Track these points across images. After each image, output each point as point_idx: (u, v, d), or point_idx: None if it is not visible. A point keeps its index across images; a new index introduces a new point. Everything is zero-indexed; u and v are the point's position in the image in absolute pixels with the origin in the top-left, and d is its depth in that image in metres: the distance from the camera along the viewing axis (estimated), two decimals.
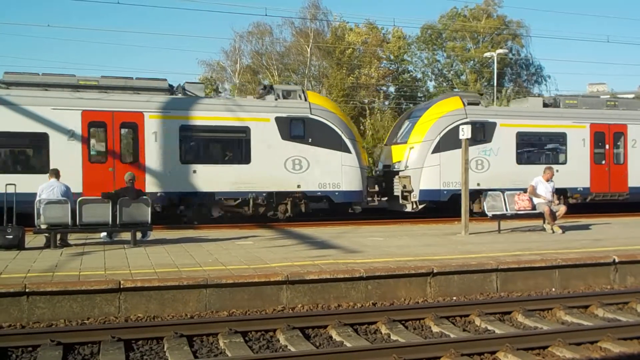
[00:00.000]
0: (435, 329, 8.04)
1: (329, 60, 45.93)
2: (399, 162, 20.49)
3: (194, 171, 17.91)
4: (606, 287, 10.61)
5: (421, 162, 19.85)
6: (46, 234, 12.24)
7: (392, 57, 51.79)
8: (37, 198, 12.37)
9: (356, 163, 19.26)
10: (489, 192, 15.82)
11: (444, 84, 53.32)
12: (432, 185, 19.78)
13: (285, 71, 47.80)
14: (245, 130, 18.43)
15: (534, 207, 15.32)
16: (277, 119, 18.61)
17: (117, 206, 12.24)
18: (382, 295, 9.47)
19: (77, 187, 15.88)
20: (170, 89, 18.57)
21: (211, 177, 18.00)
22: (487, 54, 44.94)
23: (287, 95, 19.33)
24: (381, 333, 7.88)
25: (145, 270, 9.40)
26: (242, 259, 10.56)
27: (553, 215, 15.01)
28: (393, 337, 7.63)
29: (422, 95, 51.31)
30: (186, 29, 76.58)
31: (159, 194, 17.38)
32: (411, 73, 54.30)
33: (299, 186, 18.75)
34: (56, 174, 13.03)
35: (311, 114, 18.93)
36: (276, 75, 46.39)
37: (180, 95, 18.56)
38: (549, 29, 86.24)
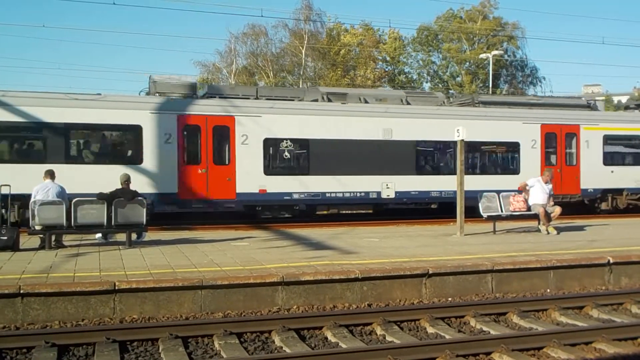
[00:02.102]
0: (430, 330, 8.05)
1: (324, 61, 45.97)
2: None
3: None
4: (601, 288, 10.65)
5: None
6: (41, 235, 12.19)
7: (387, 58, 51.89)
8: (32, 199, 12.34)
9: None
10: (485, 193, 15.85)
11: (440, 85, 53.41)
12: None
13: (281, 72, 47.81)
14: None
15: (529, 208, 15.36)
16: None
17: (112, 207, 12.21)
18: (377, 296, 9.47)
19: None
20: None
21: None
22: (483, 56, 45.05)
23: None
24: (376, 334, 7.89)
25: (140, 272, 9.38)
26: (237, 260, 10.55)
27: (548, 217, 15.05)
28: (388, 338, 7.63)
29: None
30: (181, 29, 76.61)
31: None
32: (407, 74, 54.41)
33: None
34: (51, 175, 12.98)
35: None
36: (272, 76, 46.40)
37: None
38: (545, 31, 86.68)
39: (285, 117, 18.08)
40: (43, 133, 16.93)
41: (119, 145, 18.24)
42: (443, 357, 6.66)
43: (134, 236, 12.73)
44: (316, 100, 19.72)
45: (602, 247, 12.35)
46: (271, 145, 18.51)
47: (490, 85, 43.88)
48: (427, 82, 55.31)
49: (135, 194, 12.77)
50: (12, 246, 11.77)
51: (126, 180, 13.05)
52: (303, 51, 44.56)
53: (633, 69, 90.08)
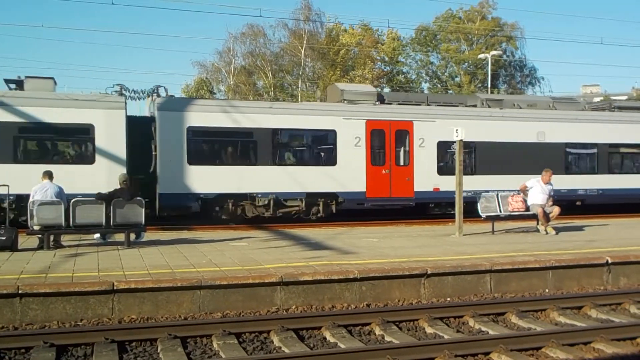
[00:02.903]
0: (429, 330, 8.05)
1: (323, 61, 45.98)
2: None
3: None
4: (599, 288, 10.66)
5: None
6: (39, 235, 12.18)
7: (386, 58, 51.90)
8: (31, 199, 12.33)
9: None
10: (483, 193, 15.85)
11: (438, 86, 53.45)
12: None
13: (280, 72, 47.81)
14: None
15: (527, 208, 15.36)
16: None
17: (111, 207, 12.21)
18: (376, 296, 9.47)
19: None
20: None
21: None
22: (482, 56, 45.08)
23: None
24: (375, 334, 7.89)
25: (139, 272, 9.37)
26: (236, 260, 10.54)
27: (546, 217, 15.06)
28: (387, 338, 7.63)
29: None
30: (180, 29, 76.62)
31: None
32: (406, 74, 54.41)
33: None
34: (50, 175, 12.98)
35: None
36: (270, 76, 46.40)
37: None
38: (543, 31, 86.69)
39: (455, 122, 18.73)
40: (251, 137, 18.89)
41: (317, 147, 20.30)
42: (442, 357, 6.66)
43: (132, 236, 12.72)
44: (475, 106, 21.60)
45: (601, 247, 12.36)
46: (443, 148, 20.28)
47: (489, 86, 43.89)
48: (425, 82, 55.37)
49: (134, 194, 12.76)
50: (11, 246, 11.76)
51: (125, 180, 13.03)
52: (302, 51, 44.56)
53: (632, 69, 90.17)
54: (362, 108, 19.85)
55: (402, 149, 20.03)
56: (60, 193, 12.68)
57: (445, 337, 7.64)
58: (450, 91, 52.65)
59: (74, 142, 17.99)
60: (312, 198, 19.14)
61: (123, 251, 11.82)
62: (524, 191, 15.46)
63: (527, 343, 7.16)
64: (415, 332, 8.01)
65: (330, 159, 19.46)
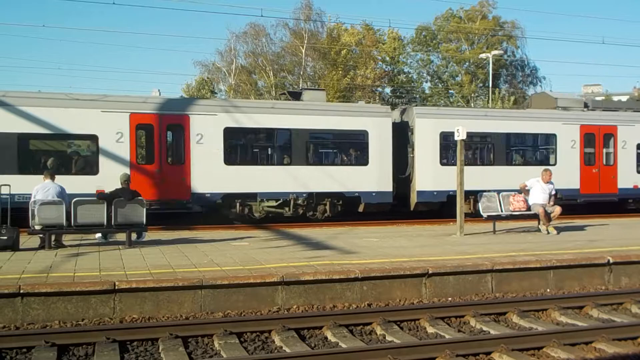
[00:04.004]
0: (430, 329, 8.05)
1: (324, 61, 45.94)
2: None
3: None
4: (601, 287, 10.65)
5: None
6: (41, 235, 12.20)
7: (387, 58, 51.85)
8: (32, 199, 12.34)
9: None
10: (484, 193, 15.84)
11: (439, 85, 53.42)
12: None
13: (281, 72, 47.79)
14: None
15: (529, 208, 15.35)
16: None
17: (112, 207, 12.21)
18: (377, 296, 9.47)
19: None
20: None
21: None
22: (483, 55, 45.03)
23: None
24: (376, 334, 7.89)
25: (140, 271, 9.38)
26: (237, 260, 10.55)
27: (548, 216, 15.04)
28: (388, 338, 7.63)
29: (418, 96, 51.38)
30: (182, 29, 76.63)
31: None
32: (407, 74, 54.37)
33: None
34: (51, 175, 13.01)
35: None
36: (272, 76, 46.38)
37: None
38: (544, 30, 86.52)
39: None
40: (489, 140, 21.20)
41: (539, 149, 22.36)
42: (443, 356, 6.66)
43: (133, 236, 12.73)
44: None
45: (602, 247, 12.35)
46: None
47: (490, 86, 43.86)
48: (426, 82, 55.34)
49: (135, 193, 12.77)
50: (12, 246, 11.77)
51: (126, 180, 13.05)
52: (303, 51, 44.55)
53: (633, 69, 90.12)
54: (576, 114, 22.24)
55: (608, 150, 22.41)
56: (61, 193, 12.69)
57: (447, 336, 7.64)
58: (452, 91, 52.60)
59: (351, 147, 20.08)
60: None
61: (124, 251, 11.83)
62: (523, 190, 15.46)
63: (529, 343, 7.16)
64: (416, 332, 8.00)
65: (550, 159, 21.66)
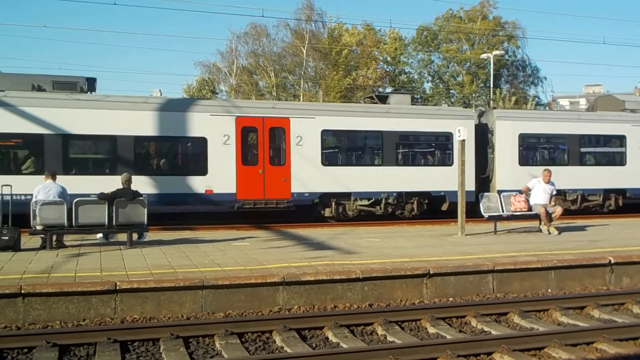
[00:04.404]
0: (431, 330, 8.04)
1: (325, 61, 45.93)
2: None
3: None
4: (602, 288, 10.64)
5: None
6: (42, 235, 12.20)
7: (388, 58, 51.84)
8: (33, 199, 12.35)
9: None
10: (485, 193, 15.82)
11: (440, 86, 53.41)
12: None
13: (282, 72, 47.79)
14: None
15: (530, 208, 15.34)
16: None
17: (113, 207, 12.21)
18: (378, 296, 9.47)
19: None
20: None
21: None
22: (484, 56, 45.00)
23: None
24: (377, 334, 7.88)
25: (141, 272, 9.38)
26: (238, 260, 10.55)
27: (549, 217, 15.03)
28: (389, 338, 7.63)
29: (419, 96, 51.36)
30: (183, 30, 76.67)
31: None
32: (408, 74, 54.36)
33: None
34: (52, 175, 13.01)
35: None
36: (273, 76, 46.39)
37: None
38: (545, 31, 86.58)
39: None
40: (563, 140, 21.87)
41: (609, 150, 22.97)
42: (444, 357, 6.65)
43: (135, 236, 12.73)
44: None
45: (603, 247, 12.34)
46: None
47: (492, 86, 43.84)
48: (427, 82, 55.32)
49: (136, 193, 12.76)
50: (14, 246, 11.78)
51: (127, 180, 13.04)
52: (304, 51, 44.55)
53: (634, 69, 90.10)
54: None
55: None
56: (63, 193, 12.70)
57: (448, 337, 7.64)
58: (452, 91, 52.59)
59: (436, 148, 20.81)
60: (607, 194, 22.02)
61: (125, 251, 11.83)
62: (526, 193, 15.43)
63: (530, 343, 7.16)
64: (417, 332, 8.00)
65: (621, 161, 22.43)
